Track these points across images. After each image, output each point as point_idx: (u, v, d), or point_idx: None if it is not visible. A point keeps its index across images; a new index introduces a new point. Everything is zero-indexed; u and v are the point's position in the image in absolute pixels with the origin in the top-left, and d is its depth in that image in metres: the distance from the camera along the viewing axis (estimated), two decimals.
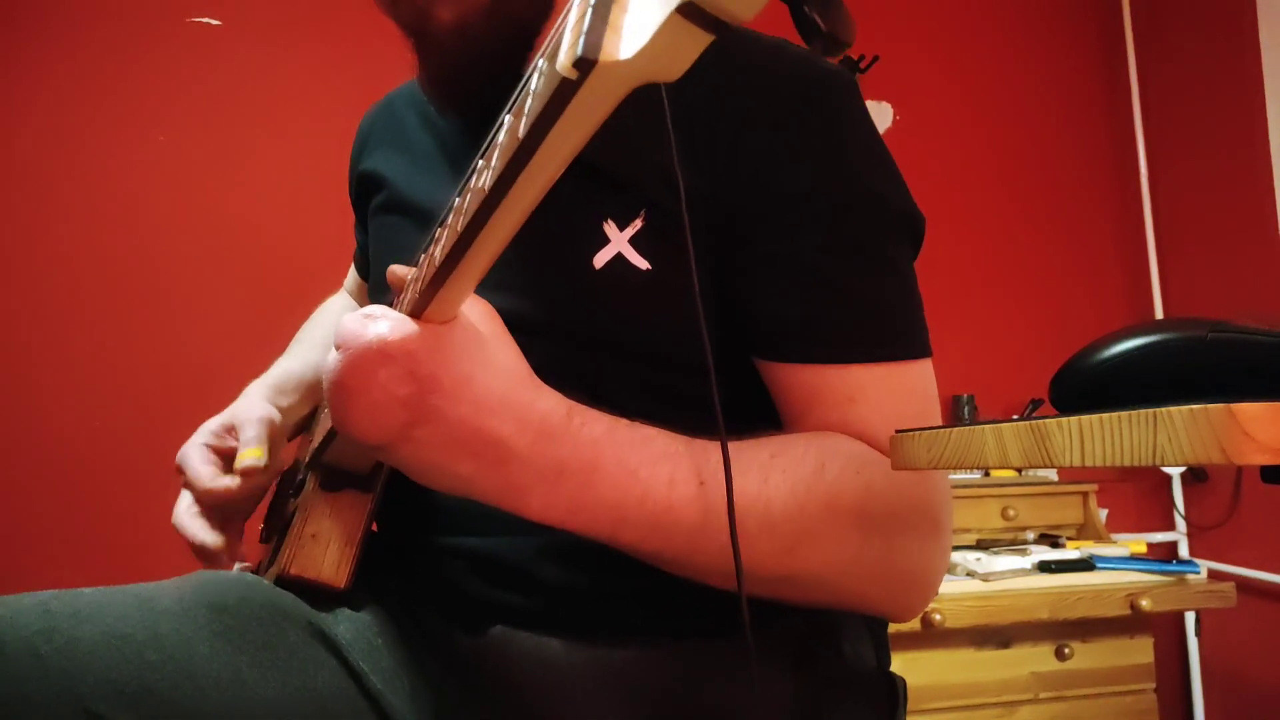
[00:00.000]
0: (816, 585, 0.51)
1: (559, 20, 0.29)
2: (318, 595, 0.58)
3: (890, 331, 0.56)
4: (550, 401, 0.47)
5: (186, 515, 0.66)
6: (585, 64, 0.25)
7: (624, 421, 0.49)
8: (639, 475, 0.48)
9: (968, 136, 2.23)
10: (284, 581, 0.58)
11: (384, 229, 0.74)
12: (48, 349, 1.70)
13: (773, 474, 0.50)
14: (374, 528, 0.63)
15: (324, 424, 0.63)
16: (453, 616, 0.59)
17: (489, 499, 0.46)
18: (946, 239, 2.12)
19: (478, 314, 0.47)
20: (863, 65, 2.15)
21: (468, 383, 0.43)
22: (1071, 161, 2.30)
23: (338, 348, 0.43)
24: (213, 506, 0.66)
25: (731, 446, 0.51)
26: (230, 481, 0.65)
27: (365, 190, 0.78)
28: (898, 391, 0.56)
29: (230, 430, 0.70)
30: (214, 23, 1.84)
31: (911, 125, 2.18)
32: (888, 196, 0.58)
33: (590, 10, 0.25)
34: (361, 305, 0.93)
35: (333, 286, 0.98)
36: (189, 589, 0.52)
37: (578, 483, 0.47)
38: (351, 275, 0.95)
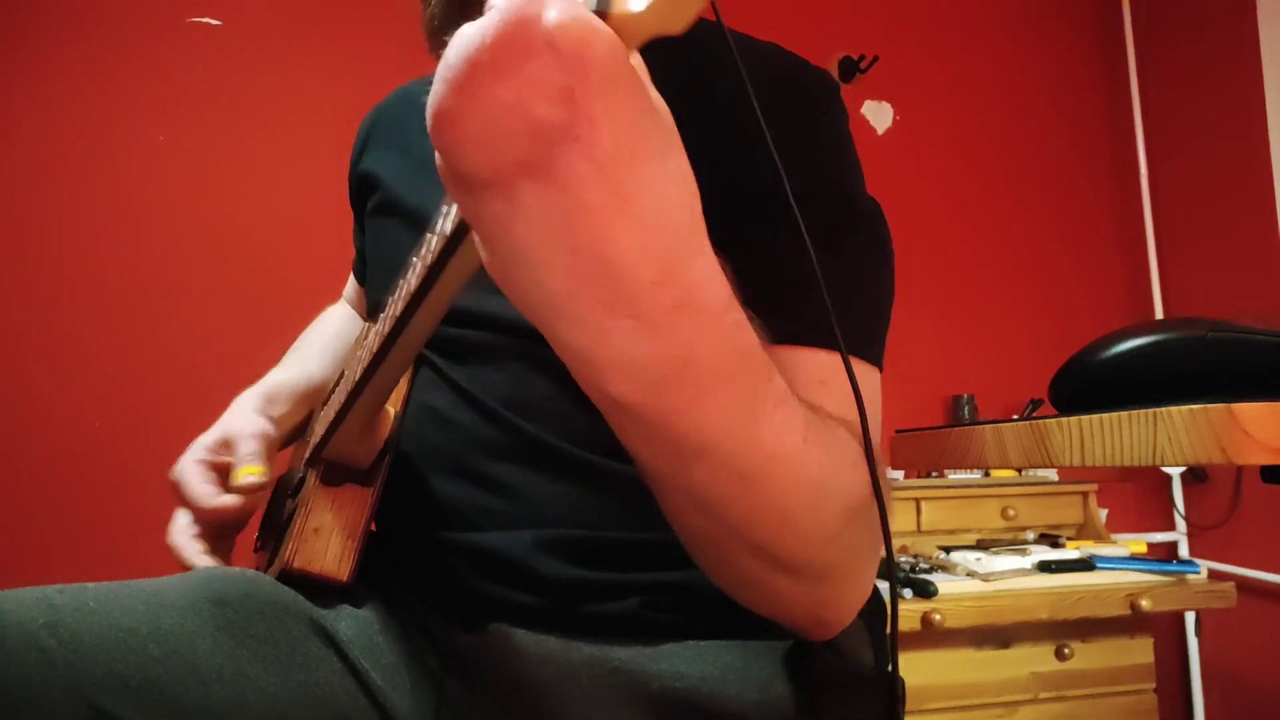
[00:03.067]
0: (830, 572, 0.48)
1: None
2: (320, 590, 0.58)
3: (855, 328, 0.55)
4: (712, 269, 0.34)
5: (183, 537, 0.65)
6: (599, 17, 0.26)
7: (758, 338, 0.39)
8: (757, 413, 0.38)
9: (968, 136, 2.23)
10: (287, 576, 0.58)
11: (381, 231, 0.74)
12: (46, 349, 1.70)
13: (849, 446, 0.46)
14: (373, 526, 0.64)
15: (325, 420, 0.63)
16: (452, 613, 0.59)
17: (557, 341, 0.34)
18: (947, 239, 2.12)
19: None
20: (863, 65, 2.16)
21: (632, 159, 0.29)
22: (1071, 161, 2.30)
23: (486, 8, 0.28)
24: (210, 524, 0.66)
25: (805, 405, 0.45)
26: (231, 500, 0.65)
27: (363, 191, 0.78)
28: (860, 385, 0.55)
29: (225, 445, 0.69)
30: (214, 23, 1.84)
31: (911, 125, 2.18)
32: (855, 198, 0.58)
33: None
34: (362, 314, 0.93)
35: (332, 287, 0.98)
36: (192, 584, 0.52)
37: (694, 394, 0.35)
38: (351, 284, 0.94)
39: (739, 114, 0.51)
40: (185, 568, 0.65)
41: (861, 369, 0.54)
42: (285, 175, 1.84)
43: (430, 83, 0.83)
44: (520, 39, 0.27)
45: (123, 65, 1.78)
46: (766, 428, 0.38)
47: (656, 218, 0.30)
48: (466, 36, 0.28)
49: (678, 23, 0.27)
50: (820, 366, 0.53)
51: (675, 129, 0.32)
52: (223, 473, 0.68)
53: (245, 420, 0.70)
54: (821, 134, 0.58)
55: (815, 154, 0.56)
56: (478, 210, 0.31)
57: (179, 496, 0.67)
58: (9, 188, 1.72)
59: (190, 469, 0.67)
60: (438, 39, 0.64)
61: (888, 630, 0.46)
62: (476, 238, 0.33)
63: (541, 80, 0.27)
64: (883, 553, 0.51)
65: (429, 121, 0.30)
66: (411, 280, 0.45)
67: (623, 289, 0.31)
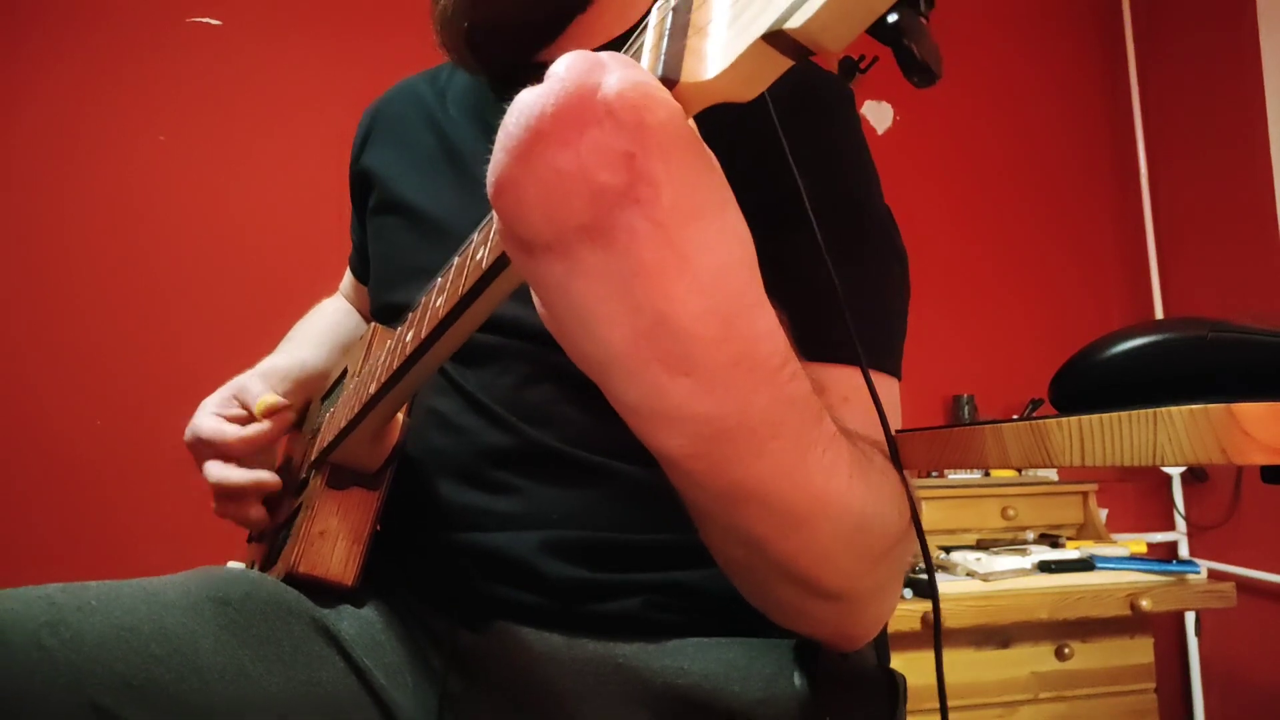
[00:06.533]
0: (865, 596, 0.49)
1: (629, 42, 0.29)
2: (322, 592, 0.58)
3: (877, 341, 0.56)
4: (770, 322, 0.33)
5: (226, 470, 0.66)
6: (666, 84, 0.26)
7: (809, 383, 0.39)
8: (808, 457, 0.38)
9: (968, 136, 2.23)
10: (292, 579, 0.58)
11: (382, 230, 0.74)
12: (46, 349, 1.70)
13: (887, 476, 0.46)
14: (378, 527, 0.64)
15: (333, 424, 0.63)
16: (456, 613, 0.59)
17: (612, 394, 0.33)
18: (947, 239, 2.12)
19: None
20: (863, 65, 2.16)
21: (692, 219, 0.29)
22: (1071, 161, 2.30)
23: (546, 77, 0.28)
24: (244, 458, 0.67)
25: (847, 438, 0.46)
26: (262, 426, 0.66)
27: (363, 187, 0.78)
28: (881, 397, 0.56)
29: (232, 400, 0.70)
30: (214, 23, 1.84)
31: (911, 125, 2.18)
32: (869, 206, 0.58)
33: (668, 34, 0.26)
34: (360, 308, 0.93)
35: (331, 285, 0.98)
36: (194, 583, 0.52)
37: (748, 447, 0.35)
38: (347, 279, 0.94)
39: (753, 124, 0.51)
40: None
41: (882, 381, 0.55)
42: (285, 175, 1.84)
43: (433, 78, 0.84)
44: (580, 107, 0.27)
45: (123, 65, 1.78)
46: (816, 471, 0.38)
47: (716, 276, 0.30)
48: (527, 105, 0.28)
49: (749, 92, 0.26)
50: (842, 383, 0.53)
51: (728, 184, 0.32)
52: (238, 423, 0.69)
53: (249, 380, 0.71)
54: (835, 142, 0.58)
55: (829, 163, 0.57)
56: (536, 270, 0.31)
57: (201, 451, 0.68)
58: (9, 188, 1.72)
59: (207, 420, 0.68)
60: (449, 30, 0.64)
61: (934, 635, 0.48)
62: (534, 294, 0.33)
63: (602, 147, 0.27)
64: (907, 567, 0.52)
65: (489, 188, 0.30)
66: (439, 304, 0.45)
67: (682, 347, 0.30)
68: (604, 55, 0.28)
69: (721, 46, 0.25)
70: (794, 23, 0.22)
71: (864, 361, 0.44)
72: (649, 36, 0.28)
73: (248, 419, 0.68)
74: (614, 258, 0.29)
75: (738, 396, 0.33)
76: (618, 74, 0.27)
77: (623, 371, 0.32)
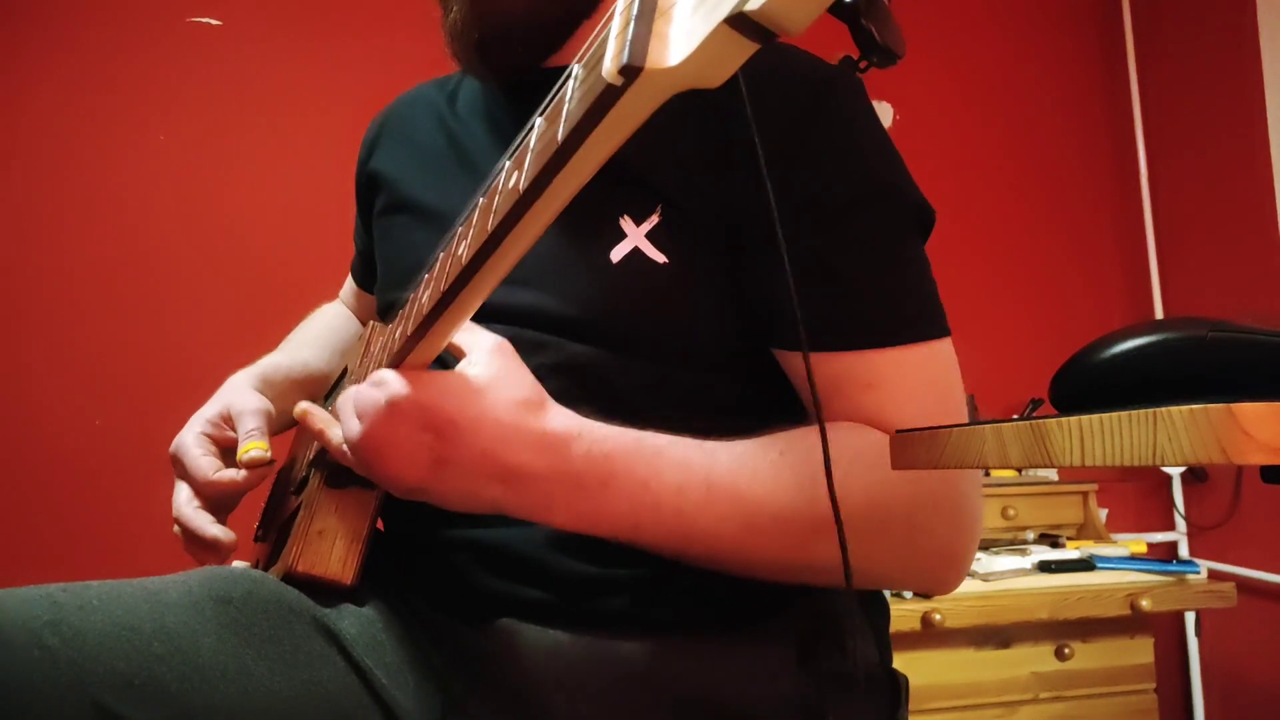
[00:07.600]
0: (837, 570, 0.52)
1: (597, 30, 0.29)
2: (323, 591, 0.58)
3: (906, 316, 0.57)
4: (562, 422, 0.51)
5: (189, 508, 0.65)
6: (631, 70, 0.26)
7: (633, 434, 0.53)
8: (649, 486, 0.51)
9: (968, 136, 2.23)
10: (291, 579, 0.58)
11: (393, 229, 0.74)
12: (46, 347, 1.70)
13: (784, 471, 0.51)
14: (379, 525, 0.64)
15: None
16: (458, 609, 0.59)
17: (521, 515, 0.51)
18: (947, 238, 2.11)
19: (486, 350, 0.51)
20: (862, 65, 2.16)
21: (479, 420, 0.49)
22: (1071, 161, 2.30)
23: (359, 417, 0.49)
24: (211, 499, 0.66)
25: (744, 446, 0.53)
26: (233, 474, 0.64)
27: (371, 190, 0.78)
28: (916, 375, 0.56)
29: (226, 420, 0.69)
30: (214, 23, 1.84)
31: (911, 125, 2.18)
32: (897, 190, 0.59)
33: (634, 20, 0.26)
34: (363, 314, 0.93)
35: (332, 287, 0.97)
36: (195, 582, 0.52)
37: (594, 495, 0.51)
38: (348, 286, 0.94)
39: (774, 128, 0.52)
40: (191, 563, 0.65)
41: (936, 347, 0.57)
42: (285, 175, 1.84)
43: (442, 84, 0.86)
44: (386, 421, 0.49)
45: (123, 65, 1.78)
46: (664, 494, 0.52)
47: (514, 426, 0.49)
48: (361, 442, 0.50)
49: (713, 78, 0.27)
50: (867, 369, 0.55)
51: (498, 356, 0.51)
52: (223, 447, 0.68)
53: (245, 397, 0.69)
54: (857, 138, 0.59)
55: (857, 160, 0.58)
56: (430, 494, 0.51)
57: (179, 469, 0.67)
58: (9, 188, 1.72)
59: (191, 442, 0.67)
60: (460, 42, 0.64)
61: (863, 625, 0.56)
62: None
63: (412, 428, 0.49)
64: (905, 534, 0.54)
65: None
66: (425, 299, 0.45)
67: (520, 471, 0.50)
68: (380, 376, 0.49)
69: (686, 33, 0.25)
70: (754, 3, 0.22)
71: (805, 347, 0.49)
72: (615, 24, 0.28)
73: (229, 445, 0.67)
74: (459, 463, 0.49)
75: (564, 472, 0.51)
76: (389, 389, 0.48)
77: (509, 503, 0.51)
